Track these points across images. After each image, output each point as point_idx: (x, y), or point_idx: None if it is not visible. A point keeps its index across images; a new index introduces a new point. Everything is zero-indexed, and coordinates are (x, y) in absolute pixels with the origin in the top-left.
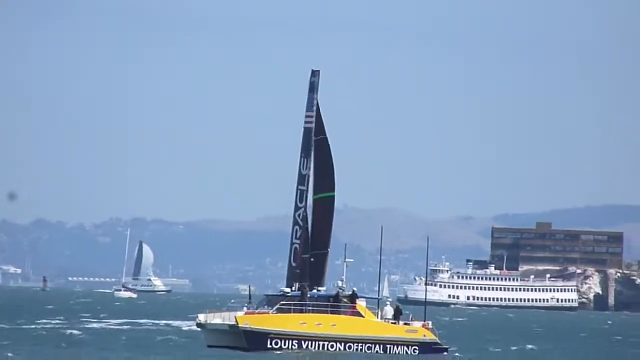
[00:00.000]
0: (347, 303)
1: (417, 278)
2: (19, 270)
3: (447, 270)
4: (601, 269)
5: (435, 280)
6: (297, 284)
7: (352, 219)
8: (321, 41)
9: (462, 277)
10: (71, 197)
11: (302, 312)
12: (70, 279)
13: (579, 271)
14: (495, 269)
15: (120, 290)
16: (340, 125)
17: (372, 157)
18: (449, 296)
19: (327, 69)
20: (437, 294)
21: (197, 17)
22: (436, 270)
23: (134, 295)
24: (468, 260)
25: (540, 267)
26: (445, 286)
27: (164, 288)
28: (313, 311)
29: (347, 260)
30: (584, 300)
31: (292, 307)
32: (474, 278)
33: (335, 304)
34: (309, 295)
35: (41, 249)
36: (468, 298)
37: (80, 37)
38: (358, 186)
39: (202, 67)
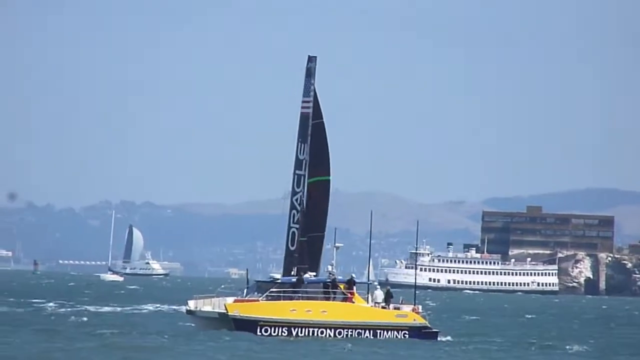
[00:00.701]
0: (341, 289)
1: (397, 261)
2: (10, 254)
3: (428, 254)
4: (592, 253)
5: (416, 263)
6: (296, 268)
7: (341, 203)
8: (322, 37)
9: (443, 261)
10: (61, 181)
11: (293, 299)
12: (61, 262)
13: (560, 255)
14: (476, 252)
15: (106, 273)
16: (331, 110)
17: (363, 141)
18: (430, 279)
19: (329, 59)
20: (418, 277)
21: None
22: (417, 253)
23: (120, 279)
24: (449, 244)
25: (531, 251)
26: (426, 269)
27: (162, 271)
28: (304, 297)
29: (337, 244)
30: (574, 284)
31: (283, 294)
32: (455, 261)
33: (327, 290)
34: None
35: (31, 232)
36: (449, 281)
37: (80, 37)
38: (348, 170)
39: (199, 52)
